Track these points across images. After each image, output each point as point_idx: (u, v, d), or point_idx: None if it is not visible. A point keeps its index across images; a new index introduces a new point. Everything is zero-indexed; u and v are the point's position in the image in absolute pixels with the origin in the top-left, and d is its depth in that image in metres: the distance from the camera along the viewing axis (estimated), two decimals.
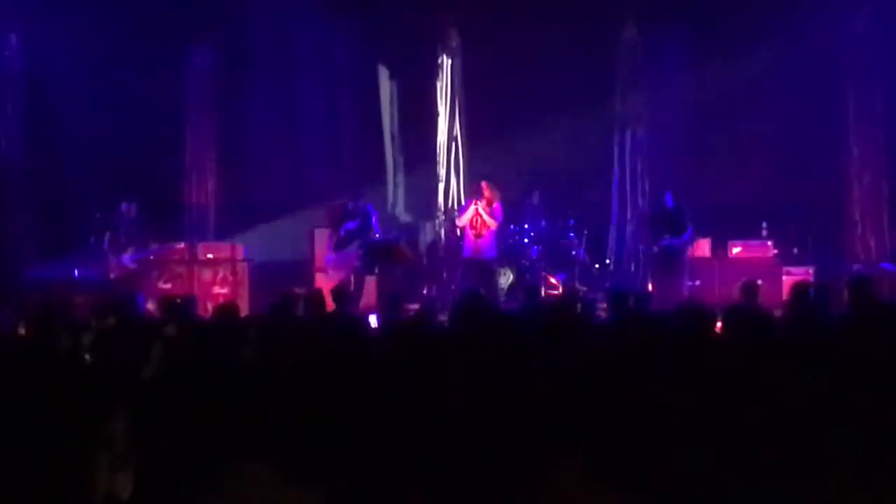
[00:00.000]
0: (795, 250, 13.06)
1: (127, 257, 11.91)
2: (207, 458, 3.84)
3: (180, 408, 4.23)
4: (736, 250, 12.94)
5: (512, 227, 12.97)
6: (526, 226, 13.06)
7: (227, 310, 7.41)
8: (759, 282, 10.99)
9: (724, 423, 4.29)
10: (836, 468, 4.17)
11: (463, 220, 12.12)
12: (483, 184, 12.12)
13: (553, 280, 12.79)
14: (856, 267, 13.06)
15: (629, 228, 14.32)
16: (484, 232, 11.92)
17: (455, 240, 13.26)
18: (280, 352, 5.65)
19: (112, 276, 11.81)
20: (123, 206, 12.07)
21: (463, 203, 13.40)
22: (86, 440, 3.94)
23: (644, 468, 3.98)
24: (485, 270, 12.06)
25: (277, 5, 14.03)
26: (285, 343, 6.06)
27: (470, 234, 12.01)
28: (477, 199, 11.98)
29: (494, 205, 11.93)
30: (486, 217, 11.87)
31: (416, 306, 10.42)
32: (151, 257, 12.29)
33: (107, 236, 11.86)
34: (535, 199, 13.18)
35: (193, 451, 3.98)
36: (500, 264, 12.54)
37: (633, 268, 14.05)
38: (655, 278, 12.49)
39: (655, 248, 12.36)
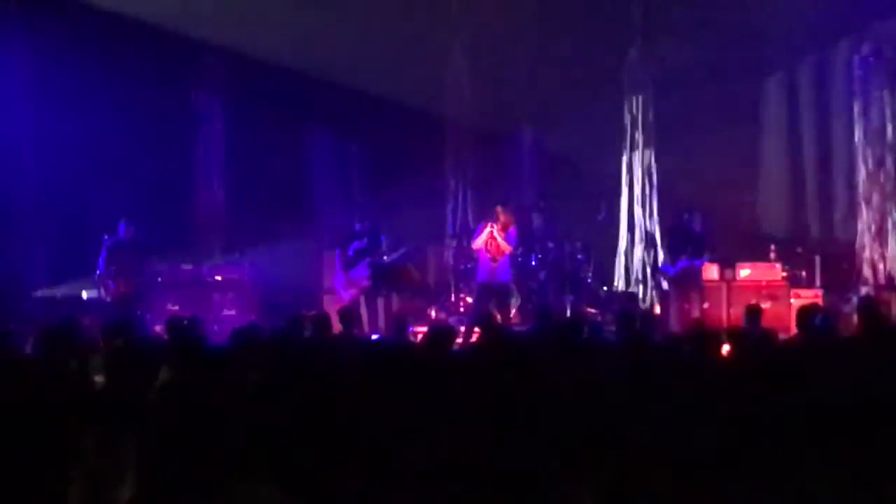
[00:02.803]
0: (804, 273, 13.04)
1: (124, 281, 11.92)
2: (209, 479, 3.85)
3: (183, 429, 4.24)
4: (744, 273, 12.91)
5: (520, 249, 12.95)
6: (534, 248, 13.05)
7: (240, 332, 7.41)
8: (768, 304, 11.05)
9: (728, 448, 4.28)
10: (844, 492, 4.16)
11: (477, 243, 12.05)
12: (498, 208, 12.06)
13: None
14: (864, 290, 13.02)
15: (640, 249, 14.30)
16: (499, 256, 11.87)
17: (464, 262, 13.24)
18: (287, 374, 5.64)
19: (108, 298, 11.80)
20: (121, 225, 12.08)
21: (476, 226, 13.38)
22: (58, 455, 3.96)
23: (648, 494, 3.96)
24: (500, 294, 12.03)
25: (281, 24, 14.07)
26: (292, 365, 6.05)
27: (486, 257, 11.95)
28: (492, 223, 11.93)
29: (509, 229, 11.88)
30: (501, 241, 11.81)
31: (423, 328, 10.40)
32: (159, 279, 12.31)
33: (102, 257, 11.87)
34: (539, 222, 13.14)
35: (195, 471, 3.99)
36: (514, 288, 12.54)
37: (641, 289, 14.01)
38: (670, 299, 12.47)
39: (673, 268, 12.33)
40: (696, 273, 12.21)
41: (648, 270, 13.90)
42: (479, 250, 12.03)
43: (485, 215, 12.35)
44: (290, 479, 3.97)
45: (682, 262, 12.23)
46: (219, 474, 3.92)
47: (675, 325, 11.76)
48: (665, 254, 12.80)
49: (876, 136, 13.71)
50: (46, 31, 13.36)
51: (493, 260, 11.87)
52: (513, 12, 14.05)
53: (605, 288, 13.70)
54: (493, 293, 11.96)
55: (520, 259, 12.91)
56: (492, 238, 11.83)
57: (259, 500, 3.71)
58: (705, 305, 12.39)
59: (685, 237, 12.37)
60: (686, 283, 12.21)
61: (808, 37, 13.37)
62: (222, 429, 4.39)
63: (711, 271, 12.84)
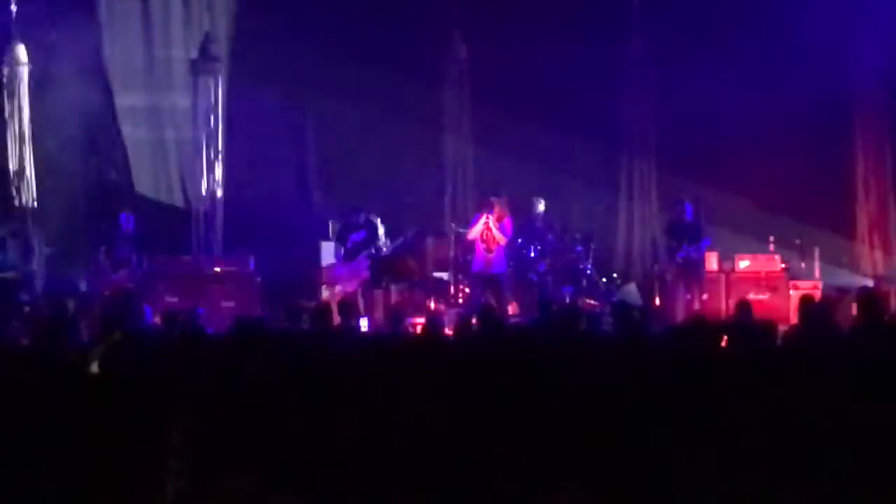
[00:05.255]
0: (803, 264, 13.05)
1: (123, 273, 11.91)
2: (200, 469, 3.87)
3: (177, 419, 4.26)
4: (743, 264, 12.92)
5: (520, 240, 12.93)
6: (533, 239, 13.02)
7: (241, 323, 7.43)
8: (766, 296, 11.05)
9: (727, 442, 4.27)
10: (838, 483, 4.16)
11: (472, 234, 12.08)
12: (493, 199, 12.08)
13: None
14: (864, 281, 13.03)
15: (637, 241, 14.29)
16: (493, 247, 11.90)
17: (463, 253, 13.23)
18: (284, 365, 5.64)
19: (106, 291, 11.80)
20: (122, 216, 12.07)
21: (472, 217, 13.38)
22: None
23: (645, 488, 3.96)
24: (495, 285, 12.04)
25: (283, 18, 14.06)
26: (290, 356, 6.05)
27: (480, 248, 11.98)
28: (487, 214, 11.95)
29: (504, 220, 11.91)
30: (496, 232, 11.84)
31: (421, 320, 10.40)
32: (158, 270, 12.31)
33: (102, 250, 11.86)
34: (539, 214, 13.08)
35: (186, 462, 4.01)
36: (509, 278, 12.54)
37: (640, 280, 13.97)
38: (673, 290, 12.49)
39: (678, 259, 12.36)
40: (697, 262, 12.25)
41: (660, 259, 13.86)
42: (474, 241, 12.06)
43: (482, 207, 12.35)
44: (283, 471, 3.98)
45: (681, 253, 12.27)
46: (210, 465, 3.94)
47: (678, 315, 11.78)
48: (665, 247, 12.80)
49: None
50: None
51: (488, 251, 11.90)
52: (512, 10, 14.04)
53: (604, 279, 13.68)
54: (487, 284, 11.99)
55: (522, 250, 12.88)
56: (487, 229, 11.86)
57: (242, 492, 3.73)
58: (704, 297, 12.42)
59: (680, 228, 12.40)
60: (688, 273, 12.26)
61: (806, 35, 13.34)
62: (218, 419, 4.40)
63: (711, 262, 12.87)
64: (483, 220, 11.94)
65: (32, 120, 13.42)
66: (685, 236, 12.31)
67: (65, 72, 13.39)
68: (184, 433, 4.08)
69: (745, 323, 7.06)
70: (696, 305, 12.05)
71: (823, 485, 4.23)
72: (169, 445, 4.02)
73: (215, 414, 4.34)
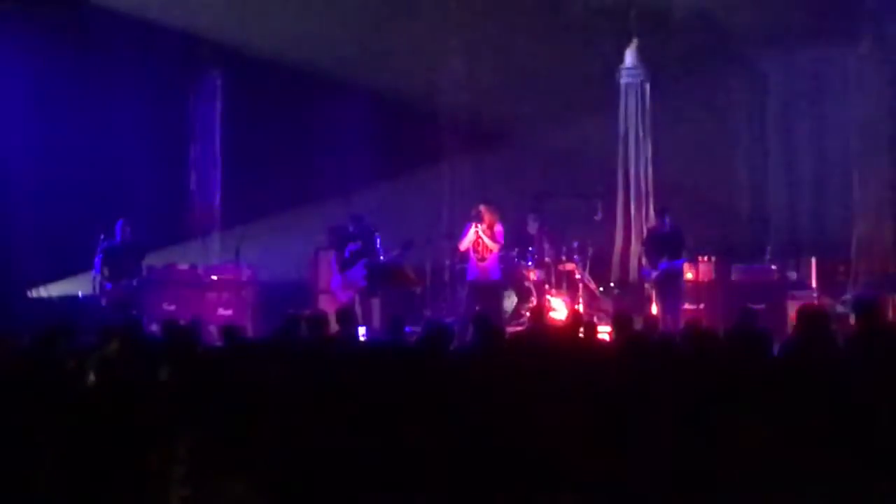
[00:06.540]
0: (795, 273, 13.08)
1: (120, 281, 11.91)
2: (203, 477, 3.88)
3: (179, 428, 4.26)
4: (740, 274, 12.92)
5: (516, 249, 12.94)
6: (529, 248, 13.03)
7: (232, 333, 7.43)
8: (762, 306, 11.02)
9: (726, 447, 4.28)
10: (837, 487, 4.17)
11: (464, 244, 12.07)
12: (482, 207, 12.05)
13: (554, 303, 12.75)
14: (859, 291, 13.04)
15: (634, 250, 14.30)
16: (487, 255, 11.89)
17: (459, 262, 13.24)
18: (281, 374, 5.64)
19: (104, 301, 11.79)
20: (119, 224, 12.08)
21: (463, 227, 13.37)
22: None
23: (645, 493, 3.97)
24: (490, 293, 12.03)
25: (280, 26, 14.10)
26: (287, 366, 6.05)
27: (473, 257, 11.98)
28: (477, 223, 11.94)
29: (496, 228, 11.88)
30: (487, 240, 11.83)
31: (418, 328, 10.40)
32: (155, 279, 12.30)
33: (99, 258, 11.87)
34: (532, 225, 13.09)
35: (190, 470, 4.02)
36: (505, 287, 12.54)
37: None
38: (657, 301, 12.44)
39: (654, 272, 12.28)
40: (677, 274, 12.15)
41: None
42: (466, 251, 12.04)
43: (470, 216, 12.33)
44: (283, 479, 3.98)
45: (663, 265, 12.15)
46: (212, 473, 3.95)
47: (662, 325, 11.74)
48: (644, 260, 12.73)
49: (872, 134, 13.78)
50: (48, 33, 13.35)
51: (482, 259, 11.89)
52: (510, 11, 14.07)
53: (601, 288, 13.69)
54: (482, 293, 11.97)
55: (515, 259, 12.89)
56: (478, 238, 11.84)
57: (235, 497, 3.74)
58: (700, 306, 12.40)
59: (661, 240, 12.31)
60: (667, 284, 12.14)
61: (806, 35, 13.38)
62: (219, 427, 4.40)
63: (707, 272, 12.85)
64: (473, 229, 11.91)
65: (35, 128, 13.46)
66: (663, 249, 12.18)
67: (66, 79, 13.43)
68: (188, 442, 4.09)
69: (746, 330, 7.06)
70: (675, 316, 11.90)
71: (821, 490, 4.24)
72: (173, 454, 4.03)
73: (216, 422, 4.34)
